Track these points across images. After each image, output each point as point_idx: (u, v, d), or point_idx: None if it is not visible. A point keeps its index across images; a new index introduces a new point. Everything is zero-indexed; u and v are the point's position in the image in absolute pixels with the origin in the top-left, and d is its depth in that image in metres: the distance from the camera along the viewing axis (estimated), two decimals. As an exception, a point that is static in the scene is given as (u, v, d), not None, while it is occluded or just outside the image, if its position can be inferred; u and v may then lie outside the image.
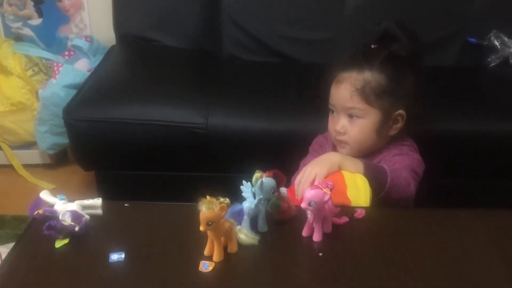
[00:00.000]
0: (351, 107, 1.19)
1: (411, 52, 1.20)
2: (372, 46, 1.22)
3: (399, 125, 1.22)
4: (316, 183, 0.91)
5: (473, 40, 1.89)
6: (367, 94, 1.17)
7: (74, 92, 1.70)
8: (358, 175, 1.10)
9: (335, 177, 1.07)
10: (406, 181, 1.13)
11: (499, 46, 1.85)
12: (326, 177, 1.09)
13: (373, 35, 1.23)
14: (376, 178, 1.10)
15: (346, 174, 1.10)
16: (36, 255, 0.91)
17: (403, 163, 1.18)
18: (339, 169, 1.12)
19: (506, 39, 1.84)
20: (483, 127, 1.52)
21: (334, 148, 1.27)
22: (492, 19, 1.88)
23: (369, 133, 1.20)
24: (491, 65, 1.87)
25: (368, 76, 1.17)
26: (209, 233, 0.86)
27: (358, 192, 1.05)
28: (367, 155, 1.22)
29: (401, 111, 1.21)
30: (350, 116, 1.20)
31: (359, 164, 1.12)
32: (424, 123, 1.38)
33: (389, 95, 1.18)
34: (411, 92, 1.21)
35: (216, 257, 0.87)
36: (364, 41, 1.25)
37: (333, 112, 1.24)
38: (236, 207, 0.92)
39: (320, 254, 0.90)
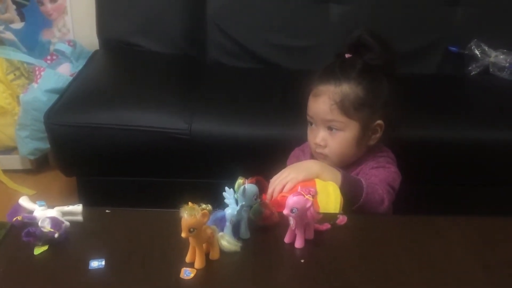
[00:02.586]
0: (331, 119, 1.19)
1: (385, 60, 1.21)
2: (346, 56, 1.23)
3: (378, 135, 1.23)
4: (298, 189, 0.91)
5: (454, 49, 1.92)
6: (346, 107, 1.17)
7: (56, 96, 1.69)
8: (330, 182, 1.10)
9: (307, 183, 1.07)
10: (380, 197, 1.14)
11: (479, 55, 1.88)
12: (299, 182, 1.09)
13: (346, 45, 1.23)
14: (351, 191, 1.11)
15: (318, 181, 1.10)
16: (15, 262, 0.89)
17: (380, 177, 1.18)
18: (316, 178, 1.12)
19: (486, 48, 1.88)
20: (463, 134, 1.55)
21: (312, 159, 1.27)
22: (473, 28, 1.91)
23: (349, 145, 1.20)
24: (471, 74, 1.90)
25: (346, 89, 1.18)
26: (191, 239, 0.85)
27: (328, 198, 1.06)
28: (345, 166, 1.22)
29: (379, 121, 1.21)
30: (330, 128, 1.20)
31: (337, 176, 1.12)
32: (401, 130, 1.39)
33: (368, 106, 1.19)
34: (388, 101, 1.21)
35: (197, 264, 0.86)
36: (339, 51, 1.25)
37: (311, 124, 1.24)
38: (219, 213, 0.92)
39: (302, 260, 0.90)
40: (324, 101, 1.19)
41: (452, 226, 1.01)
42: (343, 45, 1.23)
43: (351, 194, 1.10)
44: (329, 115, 1.19)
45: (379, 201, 1.13)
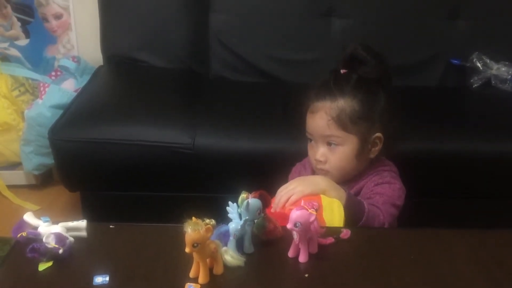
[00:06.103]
0: (329, 135, 1.20)
1: (380, 73, 1.21)
2: (341, 71, 1.23)
3: (378, 147, 1.23)
4: (302, 203, 0.91)
5: (456, 61, 1.93)
6: (343, 122, 1.18)
7: (60, 112, 1.70)
8: (336, 200, 1.11)
9: (313, 198, 1.08)
10: (380, 223, 1.13)
11: (481, 68, 1.89)
12: (305, 196, 1.09)
13: (341, 61, 1.23)
14: (353, 213, 1.11)
15: (324, 197, 1.11)
16: (19, 278, 0.89)
17: (384, 197, 1.18)
18: (322, 194, 1.12)
19: (488, 61, 1.88)
20: (466, 147, 1.55)
21: (313, 174, 1.27)
22: (474, 41, 1.92)
23: (349, 159, 1.20)
24: (473, 86, 1.90)
25: (341, 104, 1.18)
26: (194, 254, 0.85)
27: (333, 216, 1.06)
28: (348, 180, 1.23)
29: (378, 134, 1.21)
30: (329, 144, 1.21)
31: (342, 196, 1.13)
32: (403, 143, 1.39)
33: (365, 119, 1.19)
34: (385, 113, 1.22)
35: (201, 279, 0.86)
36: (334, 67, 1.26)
37: (311, 140, 1.25)
38: (222, 228, 0.92)
39: (306, 275, 0.90)
40: (321, 117, 1.19)
41: (457, 239, 1.00)
42: (338, 61, 1.24)
43: (352, 216, 1.10)
44: (327, 131, 1.19)
45: (378, 226, 1.13)
